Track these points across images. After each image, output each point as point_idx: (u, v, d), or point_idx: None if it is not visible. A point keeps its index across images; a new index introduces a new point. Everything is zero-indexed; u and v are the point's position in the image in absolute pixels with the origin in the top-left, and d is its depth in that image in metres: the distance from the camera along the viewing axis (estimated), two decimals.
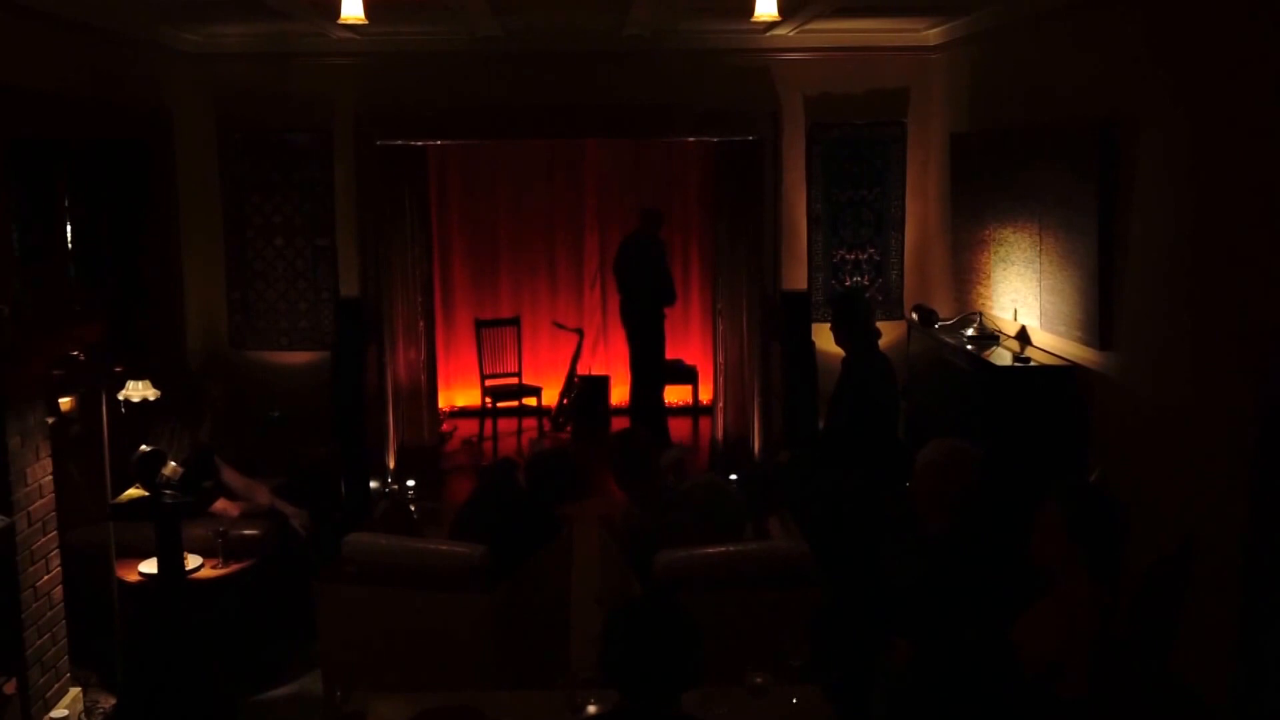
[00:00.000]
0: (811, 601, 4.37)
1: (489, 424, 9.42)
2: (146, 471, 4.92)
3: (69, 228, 6.16)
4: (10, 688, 4.22)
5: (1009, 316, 6.20)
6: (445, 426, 9.46)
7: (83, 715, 4.73)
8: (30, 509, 4.51)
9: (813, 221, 7.76)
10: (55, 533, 4.73)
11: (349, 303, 7.59)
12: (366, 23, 5.10)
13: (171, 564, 4.98)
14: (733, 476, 6.99)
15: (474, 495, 5.10)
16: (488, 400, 9.48)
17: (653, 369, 9.19)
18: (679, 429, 9.65)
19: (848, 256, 7.82)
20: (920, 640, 3.81)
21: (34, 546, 4.54)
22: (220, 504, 5.62)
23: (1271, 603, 3.86)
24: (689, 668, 2.86)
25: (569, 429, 9.70)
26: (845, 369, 6.26)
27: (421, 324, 8.21)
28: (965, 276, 6.93)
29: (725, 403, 8.32)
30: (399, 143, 7.74)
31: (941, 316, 6.93)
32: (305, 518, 5.91)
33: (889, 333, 7.06)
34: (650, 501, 4.81)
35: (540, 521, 4.87)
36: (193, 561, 5.28)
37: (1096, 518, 3.40)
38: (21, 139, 5.39)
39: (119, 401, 5.12)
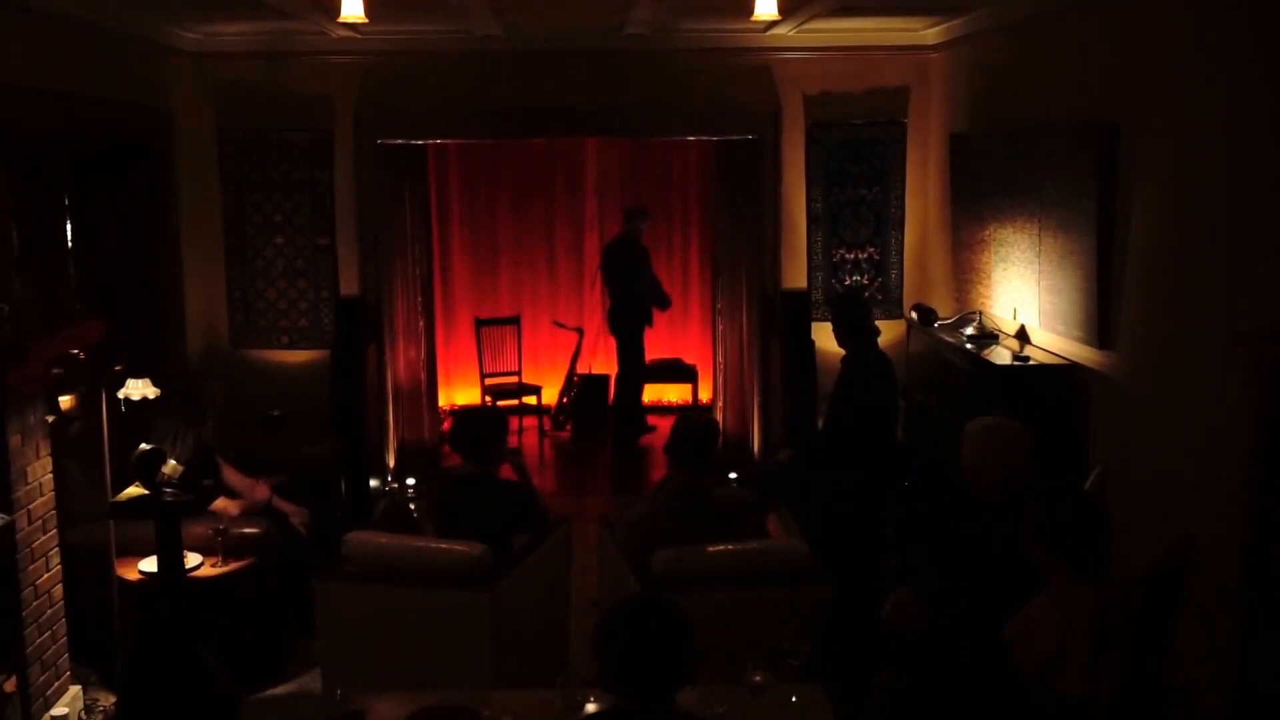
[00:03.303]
0: (813, 601, 4.37)
1: None
2: (146, 470, 4.93)
3: (69, 226, 6.16)
4: (10, 685, 4.23)
5: (1008, 316, 6.21)
6: (446, 425, 9.47)
7: (82, 713, 4.73)
8: (30, 507, 4.51)
9: (812, 220, 7.76)
10: (55, 531, 4.73)
11: (349, 302, 7.59)
12: (367, 21, 5.11)
13: (171, 562, 4.99)
14: (732, 475, 7.00)
15: (451, 493, 5.05)
16: (488, 399, 9.48)
17: (628, 369, 9.34)
18: None
19: (847, 256, 7.82)
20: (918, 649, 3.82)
21: (34, 544, 4.54)
22: (220, 502, 5.62)
23: (1271, 603, 3.86)
24: (681, 665, 2.86)
25: (569, 428, 9.71)
26: (845, 368, 6.27)
27: (421, 323, 8.22)
28: (965, 276, 6.94)
29: (725, 401, 8.33)
30: (399, 142, 7.75)
31: (941, 315, 6.93)
32: (305, 516, 5.92)
33: (888, 332, 7.07)
34: (693, 485, 4.77)
35: (526, 511, 4.88)
36: (193, 560, 5.28)
37: (1072, 520, 3.42)
38: (21, 137, 5.39)
39: (119, 400, 5.13)
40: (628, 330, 9.30)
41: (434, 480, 5.40)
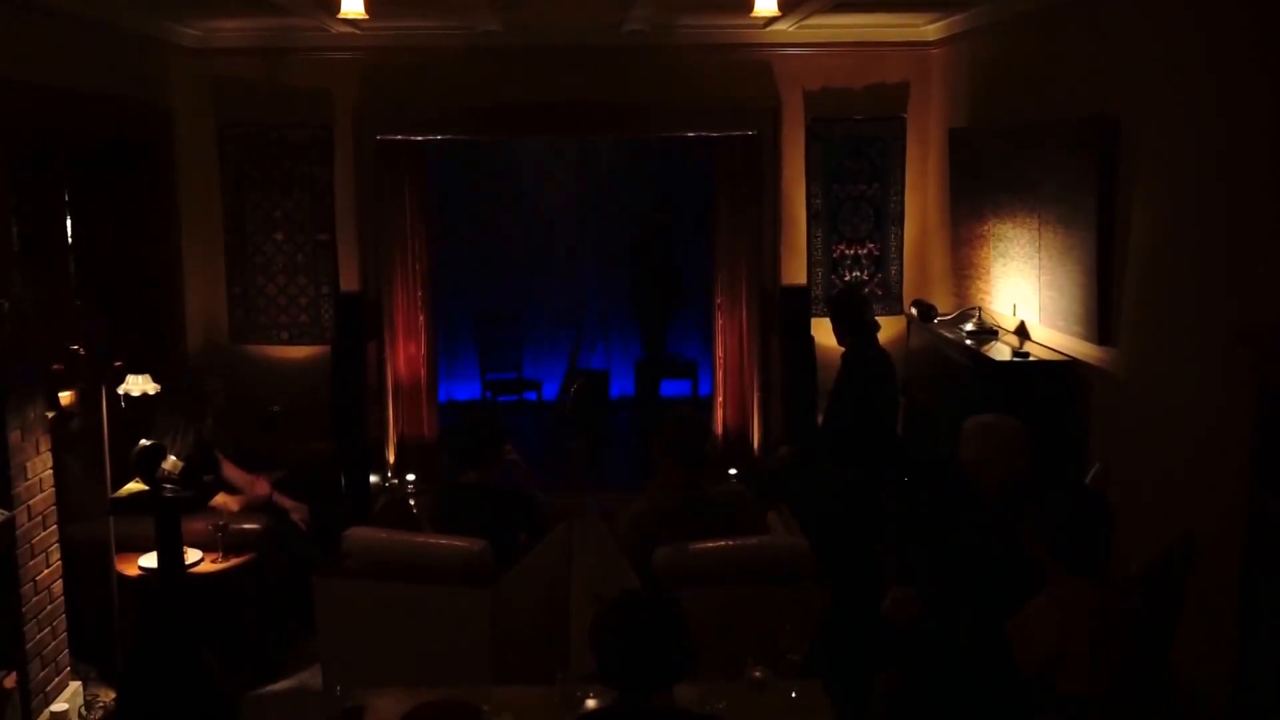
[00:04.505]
0: (812, 598, 4.38)
1: None
2: (146, 466, 4.93)
3: (69, 223, 6.16)
4: (10, 682, 4.24)
5: (1008, 311, 6.21)
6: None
7: (82, 709, 4.74)
8: (30, 503, 4.51)
9: (812, 216, 7.76)
10: (55, 527, 4.73)
11: (349, 297, 7.59)
12: (366, 17, 5.11)
13: (171, 558, 4.99)
14: (732, 472, 7.01)
15: (451, 500, 5.01)
16: (488, 394, 9.49)
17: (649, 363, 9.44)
18: None
19: (847, 251, 7.82)
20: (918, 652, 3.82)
21: (34, 541, 4.54)
22: (220, 498, 5.63)
23: (1271, 602, 3.86)
24: (675, 660, 2.88)
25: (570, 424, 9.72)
26: (844, 364, 6.27)
27: (422, 318, 8.22)
28: (964, 271, 6.93)
29: (725, 397, 8.33)
30: (399, 138, 7.74)
31: (941, 311, 6.93)
32: (305, 512, 5.93)
33: (888, 328, 7.06)
34: (688, 482, 4.75)
35: (526, 518, 4.86)
36: (193, 556, 5.29)
37: (1072, 518, 3.42)
38: (21, 134, 5.39)
39: (119, 396, 5.13)
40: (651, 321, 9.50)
41: (434, 484, 5.38)
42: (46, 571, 4.64)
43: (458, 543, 4.49)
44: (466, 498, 4.83)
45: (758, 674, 3.61)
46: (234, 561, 5.37)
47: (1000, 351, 5.80)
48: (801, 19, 6.83)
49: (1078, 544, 3.40)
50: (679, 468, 4.71)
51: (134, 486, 5.00)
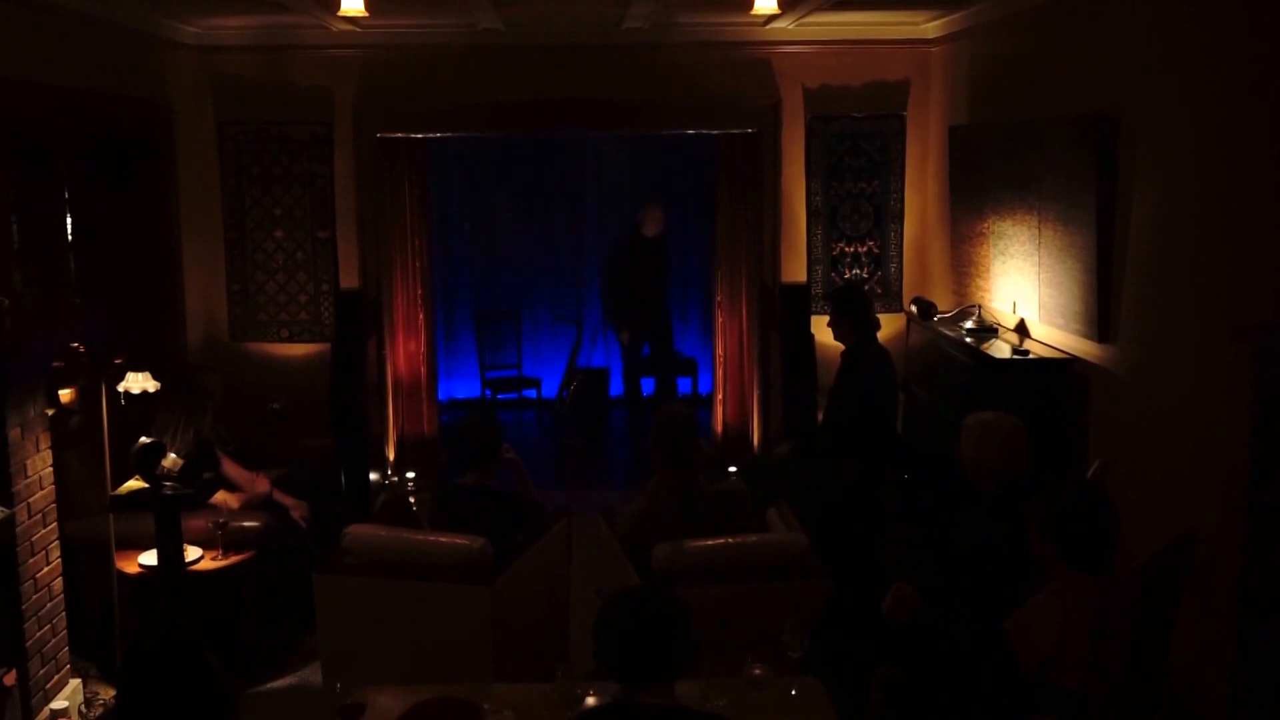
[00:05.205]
0: (812, 594, 4.38)
1: None
2: (146, 463, 4.93)
3: (69, 220, 6.16)
4: (10, 679, 4.23)
5: (1008, 309, 6.21)
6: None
7: (82, 707, 4.75)
8: (30, 500, 4.51)
9: (812, 214, 7.76)
10: (55, 524, 4.73)
11: (349, 295, 7.58)
12: (366, 15, 5.11)
13: (171, 556, 4.99)
14: (732, 469, 7.00)
15: (451, 502, 5.00)
16: (488, 392, 9.49)
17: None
18: None
19: (847, 249, 7.82)
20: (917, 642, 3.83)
21: (34, 538, 4.54)
22: (220, 496, 5.63)
23: (1270, 597, 3.86)
24: (679, 655, 2.88)
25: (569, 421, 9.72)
26: (844, 361, 6.27)
27: (421, 316, 8.22)
28: (964, 269, 6.93)
29: (725, 395, 8.33)
30: (399, 135, 7.74)
31: (940, 309, 6.93)
32: (305, 509, 5.92)
33: (888, 325, 7.06)
34: (684, 480, 4.75)
35: (526, 521, 4.86)
36: (192, 553, 5.29)
37: (1075, 514, 3.42)
38: (22, 130, 5.39)
39: (119, 393, 5.12)
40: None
41: (434, 481, 5.38)
42: (46, 569, 4.64)
43: (458, 540, 4.49)
44: (467, 500, 4.83)
45: (758, 671, 3.61)
46: (234, 559, 5.37)
47: (1000, 349, 5.80)
48: (801, 17, 6.83)
49: (1086, 543, 3.40)
50: (673, 465, 4.71)
51: (134, 484, 5.00)
